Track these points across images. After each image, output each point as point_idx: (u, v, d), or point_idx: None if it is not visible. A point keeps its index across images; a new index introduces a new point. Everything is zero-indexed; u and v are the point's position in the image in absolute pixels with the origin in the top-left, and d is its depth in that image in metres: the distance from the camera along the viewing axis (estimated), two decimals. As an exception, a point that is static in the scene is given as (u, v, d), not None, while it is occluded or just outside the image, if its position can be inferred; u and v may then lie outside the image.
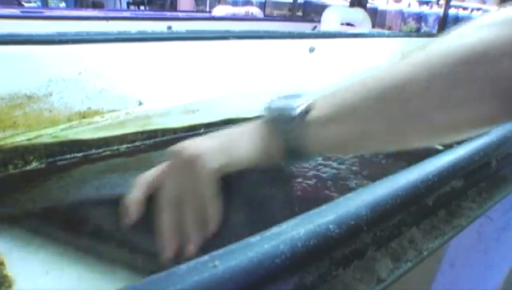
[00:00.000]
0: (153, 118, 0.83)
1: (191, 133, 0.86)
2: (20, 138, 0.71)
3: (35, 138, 0.72)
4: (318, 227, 0.28)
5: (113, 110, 0.84)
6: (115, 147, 0.80)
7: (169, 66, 0.95)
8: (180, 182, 0.39)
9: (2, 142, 0.69)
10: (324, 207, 0.31)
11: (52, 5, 6.23)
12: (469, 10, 8.62)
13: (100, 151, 0.78)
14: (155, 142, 0.83)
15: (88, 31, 0.83)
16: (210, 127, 0.89)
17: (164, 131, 0.84)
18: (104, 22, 2.12)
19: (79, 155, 0.75)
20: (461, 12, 8.46)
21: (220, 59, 1.05)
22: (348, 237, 0.31)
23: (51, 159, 0.71)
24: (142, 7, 6.76)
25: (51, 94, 0.78)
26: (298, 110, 0.39)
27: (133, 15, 2.89)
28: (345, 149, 0.42)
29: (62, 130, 0.77)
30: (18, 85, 0.74)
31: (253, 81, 1.12)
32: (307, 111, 0.39)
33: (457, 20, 8.28)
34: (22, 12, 2.45)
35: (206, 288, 0.22)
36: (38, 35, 0.76)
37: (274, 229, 0.28)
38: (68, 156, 0.74)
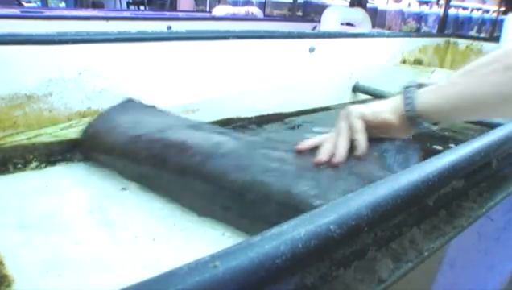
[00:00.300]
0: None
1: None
2: (21, 138, 0.71)
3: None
4: (319, 227, 0.28)
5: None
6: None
7: (169, 66, 0.95)
8: (340, 123, 0.62)
9: (1, 142, 0.69)
10: (324, 207, 0.31)
11: (52, 5, 6.23)
12: (469, 10, 8.62)
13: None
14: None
15: (88, 31, 0.83)
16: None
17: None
18: (104, 22, 2.12)
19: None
20: (461, 12, 8.47)
21: (220, 59, 1.05)
22: (349, 237, 0.31)
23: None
24: (142, 7, 6.76)
25: (51, 94, 0.78)
26: (414, 84, 0.62)
27: (133, 15, 2.89)
28: (448, 113, 0.58)
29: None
30: (18, 85, 0.74)
31: (253, 81, 1.12)
32: (419, 86, 0.61)
33: (457, 20, 8.29)
34: (22, 12, 2.46)
35: (207, 289, 0.22)
36: (38, 35, 0.76)
37: (275, 230, 0.28)
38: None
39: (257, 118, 1.11)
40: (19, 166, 0.69)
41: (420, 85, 0.61)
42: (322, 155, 0.58)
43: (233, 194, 0.55)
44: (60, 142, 0.73)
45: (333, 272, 0.32)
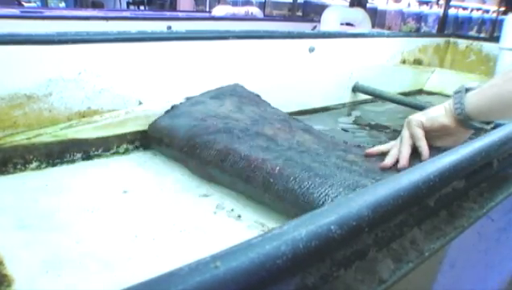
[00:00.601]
0: (152, 118, 0.82)
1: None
2: (21, 137, 0.71)
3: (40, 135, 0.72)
4: (319, 228, 0.28)
5: (113, 110, 0.84)
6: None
7: (169, 66, 0.95)
8: (403, 132, 0.70)
9: (1, 141, 0.69)
10: (325, 208, 0.31)
11: (52, 5, 6.22)
12: (469, 10, 8.62)
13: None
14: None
15: (87, 31, 0.83)
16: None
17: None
18: (104, 22, 2.12)
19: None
20: (461, 12, 8.47)
21: (220, 59, 1.05)
22: (350, 238, 0.31)
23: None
24: (141, 7, 6.75)
25: (50, 94, 0.78)
26: (462, 88, 0.68)
27: (132, 15, 2.89)
28: (492, 112, 0.65)
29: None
30: (18, 85, 0.74)
31: (253, 81, 1.12)
32: (467, 89, 0.67)
33: (457, 20, 8.29)
34: (21, 12, 2.45)
35: (208, 289, 0.22)
36: (37, 35, 0.75)
37: (276, 230, 0.27)
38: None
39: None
40: (19, 166, 0.69)
41: (468, 89, 0.67)
42: (388, 160, 0.67)
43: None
44: (60, 142, 0.73)
45: (334, 273, 0.32)
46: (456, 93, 0.68)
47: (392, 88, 1.49)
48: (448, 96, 1.75)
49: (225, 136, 0.71)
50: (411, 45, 1.84)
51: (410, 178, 0.37)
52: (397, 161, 0.67)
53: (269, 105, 0.95)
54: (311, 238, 0.27)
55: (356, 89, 1.45)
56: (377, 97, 1.42)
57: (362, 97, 1.46)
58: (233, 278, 0.23)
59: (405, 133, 0.70)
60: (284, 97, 1.19)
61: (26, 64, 0.74)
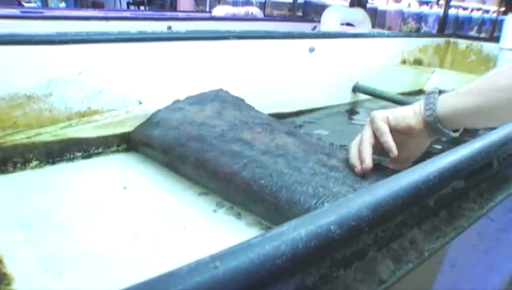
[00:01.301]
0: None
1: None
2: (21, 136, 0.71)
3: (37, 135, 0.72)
4: (319, 228, 0.28)
5: (113, 110, 0.84)
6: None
7: (169, 66, 0.95)
8: (364, 130, 0.65)
9: (1, 141, 0.69)
10: (325, 208, 0.31)
11: (52, 5, 6.23)
12: (469, 10, 8.62)
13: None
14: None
15: (88, 31, 0.83)
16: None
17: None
18: (104, 23, 2.12)
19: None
20: (461, 12, 8.46)
21: (220, 59, 1.05)
22: (350, 238, 0.31)
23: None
24: (141, 7, 6.75)
25: (51, 94, 0.78)
26: (436, 90, 0.64)
27: (133, 15, 2.89)
28: (466, 119, 0.61)
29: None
30: (18, 85, 0.74)
31: (254, 81, 1.12)
32: (440, 92, 0.63)
33: (457, 20, 8.29)
34: (22, 12, 2.45)
35: (207, 289, 0.22)
36: (38, 35, 0.75)
37: (275, 230, 0.27)
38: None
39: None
40: (19, 165, 0.69)
41: (441, 91, 0.63)
42: (356, 165, 0.62)
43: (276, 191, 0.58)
44: (60, 141, 0.74)
45: (334, 273, 0.32)
46: (429, 94, 0.64)
47: (392, 88, 1.49)
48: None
49: (196, 144, 0.70)
50: (411, 45, 1.84)
51: (409, 178, 0.37)
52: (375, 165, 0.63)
53: (253, 109, 0.92)
54: (311, 238, 0.27)
55: (356, 89, 1.45)
56: (378, 97, 1.42)
57: (362, 97, 1.46)
58: (233, 278, 0.23)
59: (367, 130, 0.64)
60: (284, 97, 1.19)
61: (27, 64, 0.74)
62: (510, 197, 0.55)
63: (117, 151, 0.81)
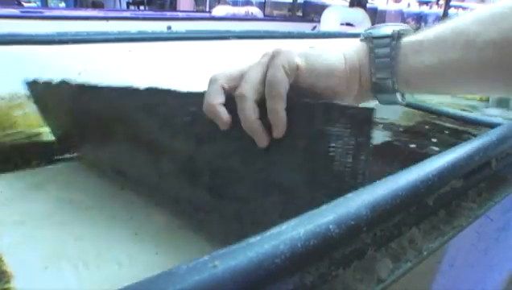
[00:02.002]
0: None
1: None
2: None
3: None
4: (318, 227, 0.28)
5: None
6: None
7: (169, 66, 0.95)
8: (251, 70, 0.42)
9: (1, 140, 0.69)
10: (323, 207, 0.31)
11: (52, 5, 6.23)
12: (469, 9, 8.63)
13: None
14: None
15: (87, 31, 0.83)
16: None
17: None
18: (104, 22, 2.12)
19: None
20: (461, 12, 8.47)
21: (220, 59, 1.05)
22: (348, 237, 0.31)
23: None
24: (141, 7, 6.76)
25: (50, 94, 0.78)
26: (393, 31, 0.41)
27: (133, 15, 2.89)
28: (430, 79, 0.42)
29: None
30: (18, 85, 0.74)
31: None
32: (400, 34, 0.41)
33: (457, 20, 8.29)
34: (21, 12, 2.45)
35: (206, 288, 0.22)
36: (37, 35, 0.76)
37: (274, 230, 0.28)
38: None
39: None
40: (20, 164, 0.69)
41: (400, 34, 0.41)
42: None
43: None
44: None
45: (333, 272, 0.32)
46: (379, 38, 0.41)
47: None
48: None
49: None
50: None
51: (408, 177, 0.37)
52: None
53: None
54: (310, 238, 0.28)
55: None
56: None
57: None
58: (232, 277, 0.23)
59: (254, 73, 0.41)
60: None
61: (26, 64, 0.74)
62: (509, 197, 0.55)
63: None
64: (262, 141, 0.39)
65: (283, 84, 0.38)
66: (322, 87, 0.40)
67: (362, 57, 0.42)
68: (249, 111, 0.38)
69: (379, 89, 0.42)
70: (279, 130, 0.38)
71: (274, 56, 0.40)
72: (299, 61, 0.39)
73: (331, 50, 0.41)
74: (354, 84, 0.42)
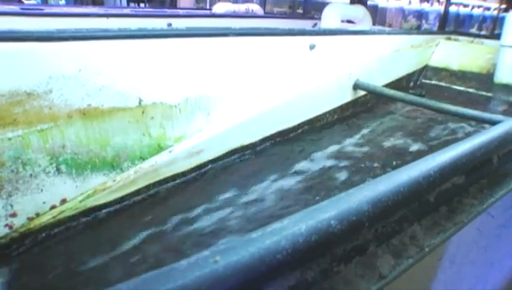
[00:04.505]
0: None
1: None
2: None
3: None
4: (319, 223, 0.28)
5: (113, 107, 0.84)
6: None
7: (169, 63, 0.95)
8: None
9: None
10: (325, 203, 0.31)
11: (52, 2, 6.21)
12: (470, 7, 8.60)
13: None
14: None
15: (88, 28, 0.83)
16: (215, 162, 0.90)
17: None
18: (104, 19, 2.12)
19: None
20: (462, 9, 8.45)
21: (220, 56, 1.04)
22: (350, 233, 0.31)
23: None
24: (142, 4, 6.73)
25: (51, 91, 0.77)
26: None
27: (133, 12, 2.89)
28: None
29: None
30: (18, 82, 0.73)
31: (254, 78, 1.12)
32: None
33: (458, 17, 8.27)
34: (22, 9, 2.45)
35: (207, 284, 0.22)
36: (38, 32, 0.75)
37: (276, 225, 0.27)
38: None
39: (260, 141, 1.13)
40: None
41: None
42: None
43: None
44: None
45: (334, 268, 0.32)
46: None
47: (396, 73, 1.48)
48: (454, 72, 1.75)
49: None
50: (413, 42, 1.84)
51: (410, 174, 0.37)
52: None
53: None
54: (311, 233, 0.27)
55: (357, 87, 1.45)
56: (378, 94, 1.42)
57: (363, 93, 1.46)
58: (233, 273, 0.23)
59: None
60: (283, 96, 1.19)
61: (26, 61, 0.74)
62: (510, 193, 0.55)
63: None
64: None
65: None
66: None
67: None
68: None
69: None
70: None
71: None
72: None
73: None
74: None
